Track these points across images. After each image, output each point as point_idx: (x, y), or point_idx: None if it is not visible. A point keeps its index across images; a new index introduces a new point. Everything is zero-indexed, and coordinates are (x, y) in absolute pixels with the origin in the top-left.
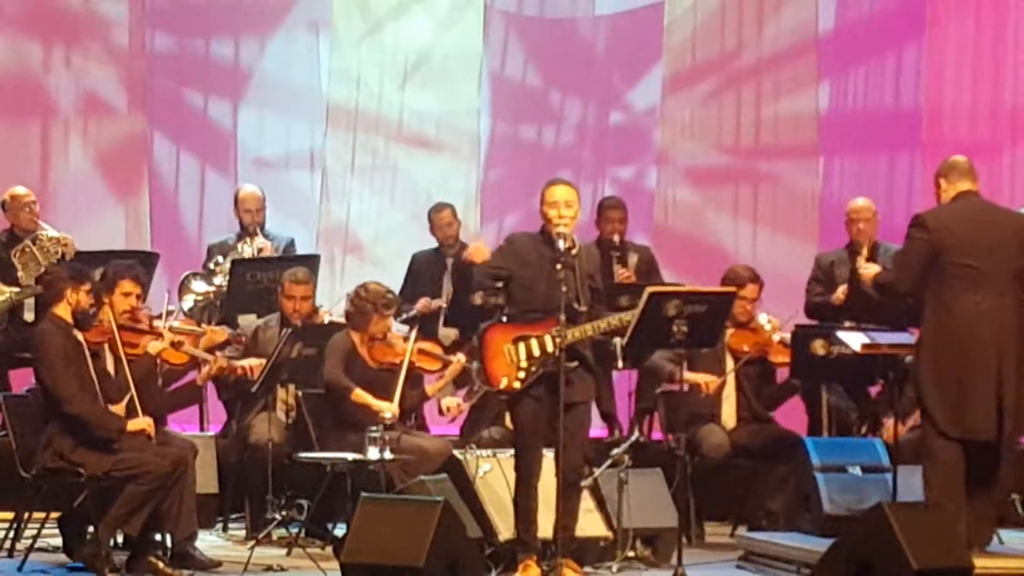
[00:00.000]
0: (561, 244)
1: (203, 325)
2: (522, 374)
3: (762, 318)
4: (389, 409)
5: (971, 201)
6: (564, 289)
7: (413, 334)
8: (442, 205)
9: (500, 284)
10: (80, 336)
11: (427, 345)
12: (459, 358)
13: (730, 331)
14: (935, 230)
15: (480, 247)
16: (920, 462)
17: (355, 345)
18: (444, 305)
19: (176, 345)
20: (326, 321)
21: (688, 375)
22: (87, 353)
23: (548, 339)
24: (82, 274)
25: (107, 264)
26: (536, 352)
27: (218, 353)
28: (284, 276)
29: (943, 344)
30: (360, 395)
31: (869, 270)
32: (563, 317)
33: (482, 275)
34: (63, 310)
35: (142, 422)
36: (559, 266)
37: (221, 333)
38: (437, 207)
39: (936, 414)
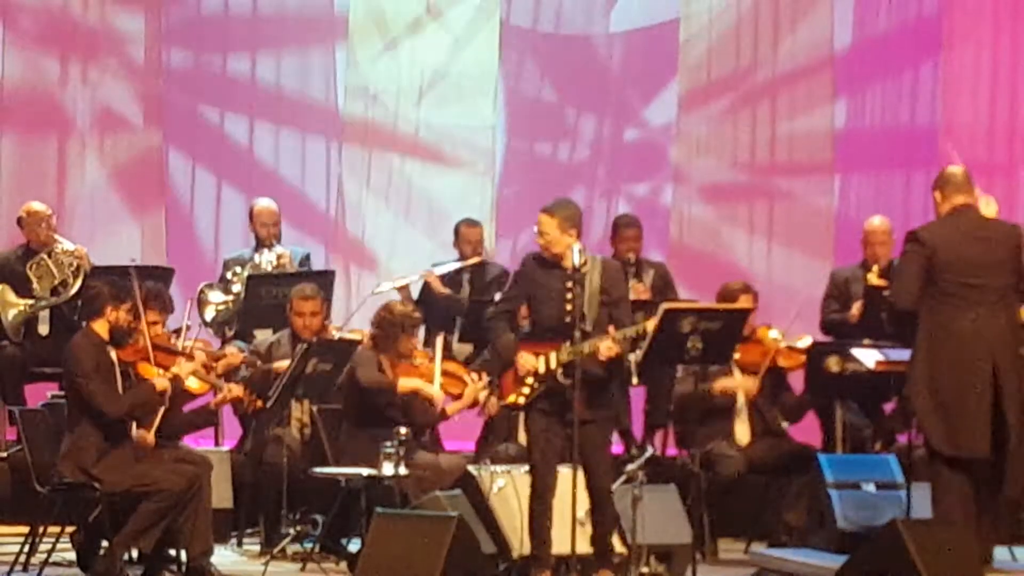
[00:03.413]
0: (576, 260)
1: (225, 347)
2: (525, 390)
3: (772, 334)
4: (437, 394)
5: (965, 216)
6: (569, 308)
7: (439, 347)
8: (475, 221)
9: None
10: (113, 353)
11: (452, 367)
12: (479, 383)
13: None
14: (930, 245)
15: None
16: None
17: (381, 364)
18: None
19: (207, 368)
20: (335, 337)
21: (722, 382)
22: (117, 371)
23: (553, 356)
24: (125, 292)
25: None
26: (540, 369)
27: (231, 385)
28: (292, 293)
29: (938, 362)
30: (405, 383)
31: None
32: (576, 334)
33: (502, 308)
34: (100, 326)
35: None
36: (570, 283)
37: (238, 357)
38: (472, 222)
39: (930, 432)
